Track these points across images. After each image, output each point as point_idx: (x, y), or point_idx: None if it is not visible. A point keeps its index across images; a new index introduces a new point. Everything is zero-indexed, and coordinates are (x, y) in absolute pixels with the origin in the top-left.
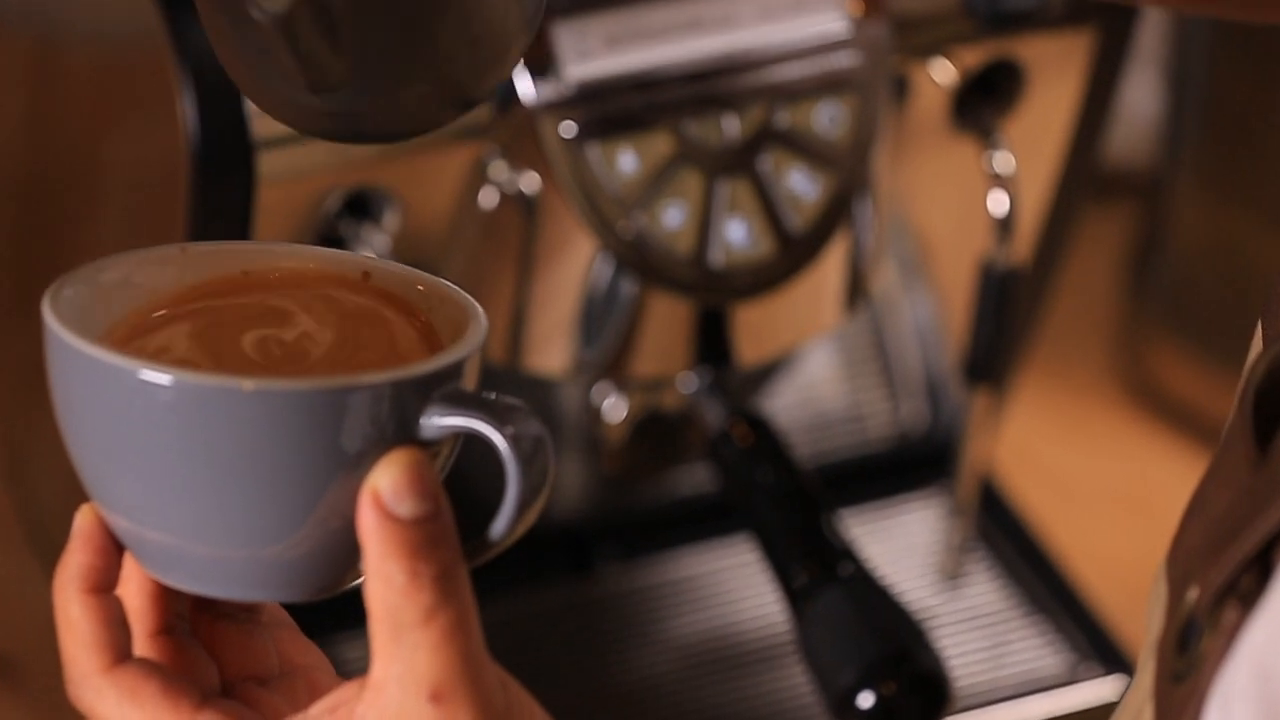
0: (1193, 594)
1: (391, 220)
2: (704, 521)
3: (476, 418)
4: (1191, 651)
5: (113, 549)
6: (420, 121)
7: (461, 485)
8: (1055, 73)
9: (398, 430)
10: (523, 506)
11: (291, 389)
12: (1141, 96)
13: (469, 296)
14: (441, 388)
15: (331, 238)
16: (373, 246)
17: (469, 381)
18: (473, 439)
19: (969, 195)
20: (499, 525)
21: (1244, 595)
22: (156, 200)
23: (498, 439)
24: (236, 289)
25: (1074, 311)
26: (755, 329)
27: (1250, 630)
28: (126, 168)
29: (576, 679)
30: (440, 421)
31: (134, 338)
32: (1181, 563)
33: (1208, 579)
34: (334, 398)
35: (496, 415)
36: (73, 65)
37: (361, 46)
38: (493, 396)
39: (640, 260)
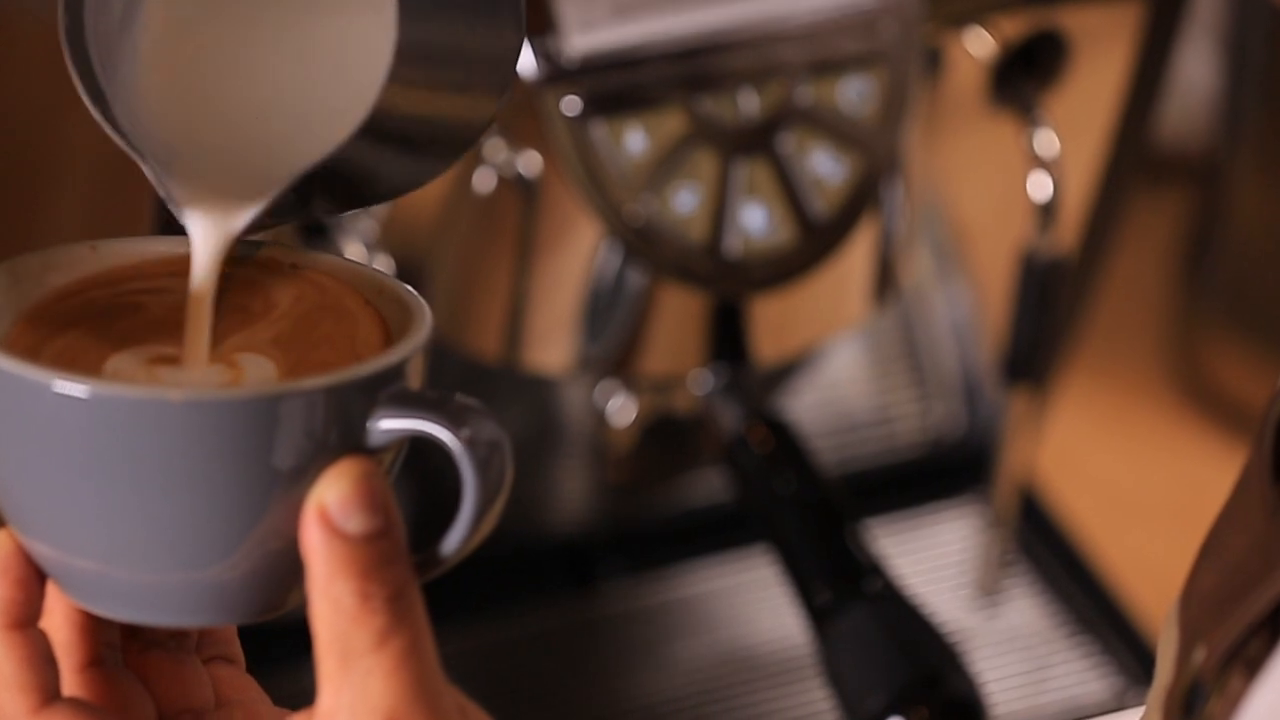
0: (1200, 654)
1: (378, 205)
2: (718, 533)
3: (428, 419)
4: (1197, 715)
5: (34, 579)
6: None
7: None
8: (1103, 44)
9: (342, 437)
10: (479, 517)
11: (225, 399)
12: (1197, 69)
13: (409, 288)
14: (388, 388)
15: (314, 225)
16: (358, 233)
17: (414, 381)
18: (419, 442)
19: (1008, 178)
20: (453, 538)
21: (1251, 660)
22: (120, 187)
23: (452, 442)
24: (142, 277)
25: (1123, 305)
26: (775, 324)
27: (1254, 698)
28: (88, 152)
29: (576, 707)
30: (389, 425)
31: (38, 337)
32: (1194, 608)
33: (1215, 640)
34: (272, 406)
35: (450, 416)
36: (31, 41)
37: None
38: (444, 395)
39: (649, 248)
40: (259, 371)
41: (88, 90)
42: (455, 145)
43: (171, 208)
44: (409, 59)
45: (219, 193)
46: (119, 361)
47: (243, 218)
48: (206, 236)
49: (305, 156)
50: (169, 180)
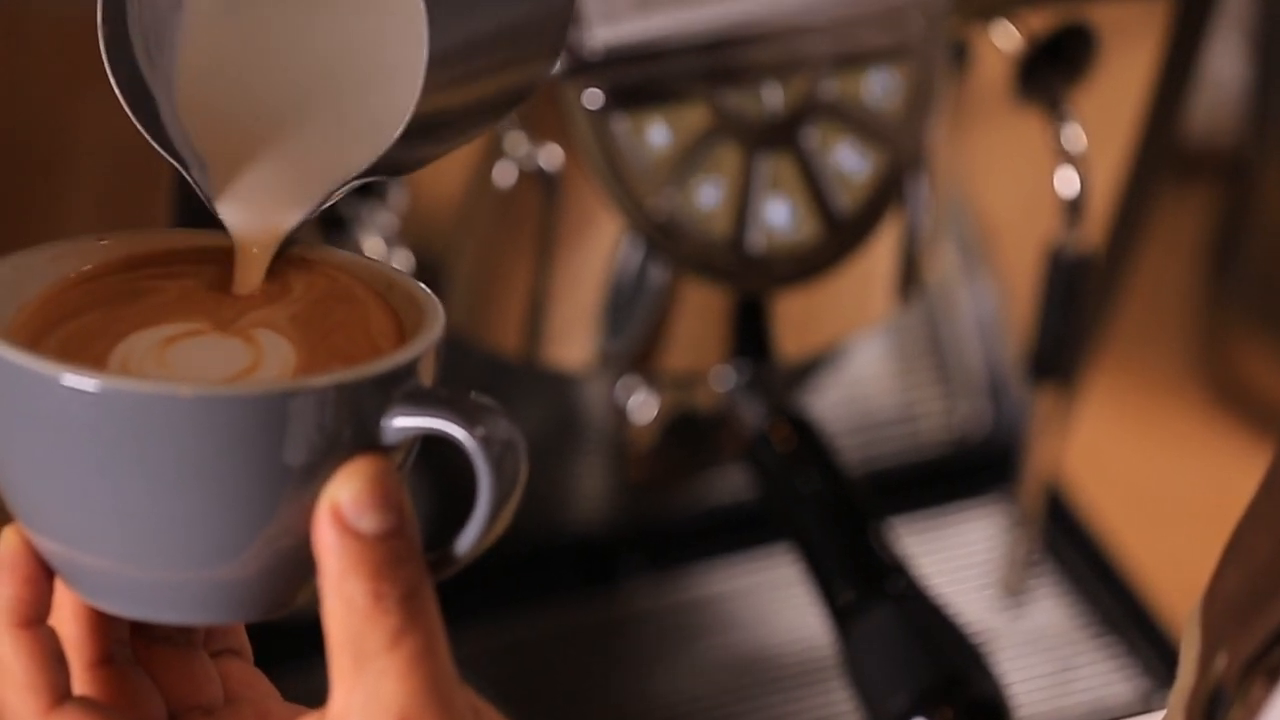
0: (1221, 660)
1: (398, 198)
2: (740, 532)
3: (443, 417)
4: None
5: (43, 576)
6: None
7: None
8: (1131, 38)
9: (355, 435)
10: (493, 515)
11: (236, 394)
12: (1225, 64)
13: (421, 284)
14: (402, 385)
15: (332, 219)
16: (377, 228)
17: (426, 378)
18: (432, 439)
19: (1035, 174)
20: (467, 537)
21: (1273, 669)
22: (136, 182)
23: (467, 441)
24: (148, 263)
25: (1150, 302)
26: (798, 320)
27: (1272, 708)
28: (104, 145)
29: (595, 707)
30: (403, 423)
31: (46, 323)
32: (1217, 611)
33: (1237, 647)
34: (283, 402)
35: (465, 415)
36: (43, 30)
37: None
38: (458, 392)
39: (672, 243)
40: (276, 351)
41: (129, 100)
42: (505, 102)
43: (213, 210)
44: (447, 61)
45: (261, 201)
46: (131, 344)
47: (285, 225)
48: (248, 243)
49: (347, 166)
50: (211, 187)
